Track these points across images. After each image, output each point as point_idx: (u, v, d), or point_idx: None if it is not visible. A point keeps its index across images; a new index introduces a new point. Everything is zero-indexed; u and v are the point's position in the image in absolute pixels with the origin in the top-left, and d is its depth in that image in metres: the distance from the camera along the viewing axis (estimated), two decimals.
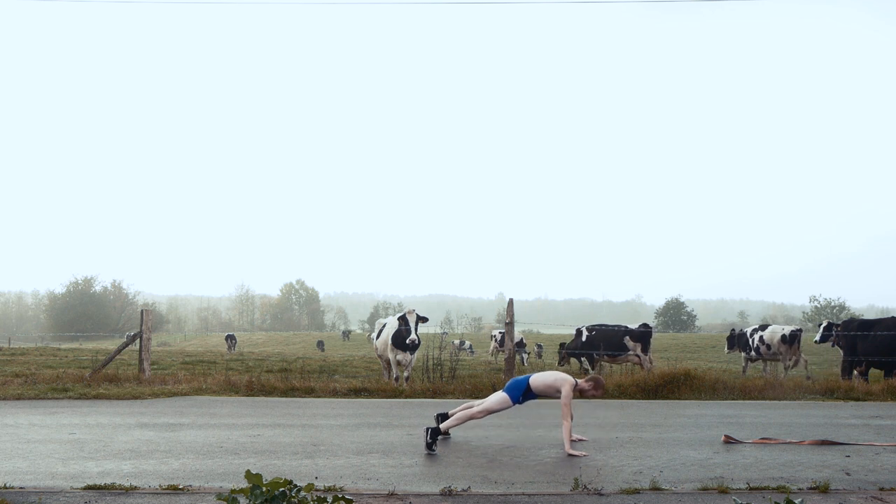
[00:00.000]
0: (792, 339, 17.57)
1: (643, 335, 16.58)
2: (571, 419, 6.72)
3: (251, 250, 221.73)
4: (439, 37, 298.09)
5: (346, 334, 62.04)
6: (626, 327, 17.21)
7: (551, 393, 6.86)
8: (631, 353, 16.50)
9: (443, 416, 7.24)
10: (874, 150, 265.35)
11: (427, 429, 6.58)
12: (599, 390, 6.93)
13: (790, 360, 17.61)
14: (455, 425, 6.93)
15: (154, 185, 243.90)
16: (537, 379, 6.91)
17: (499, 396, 6.89)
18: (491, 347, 32.35)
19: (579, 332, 18.06)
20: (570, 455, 6.38)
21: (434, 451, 6.46)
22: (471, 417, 6.88)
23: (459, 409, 7.21)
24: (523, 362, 26.93)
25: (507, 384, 7.05)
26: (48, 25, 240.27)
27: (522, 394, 6.85)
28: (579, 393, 6.91)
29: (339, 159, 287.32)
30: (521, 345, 28.52)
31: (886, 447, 6.94)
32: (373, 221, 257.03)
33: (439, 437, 6.73)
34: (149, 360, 12.64)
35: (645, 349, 16.50)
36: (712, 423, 8.42)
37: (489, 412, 6.86)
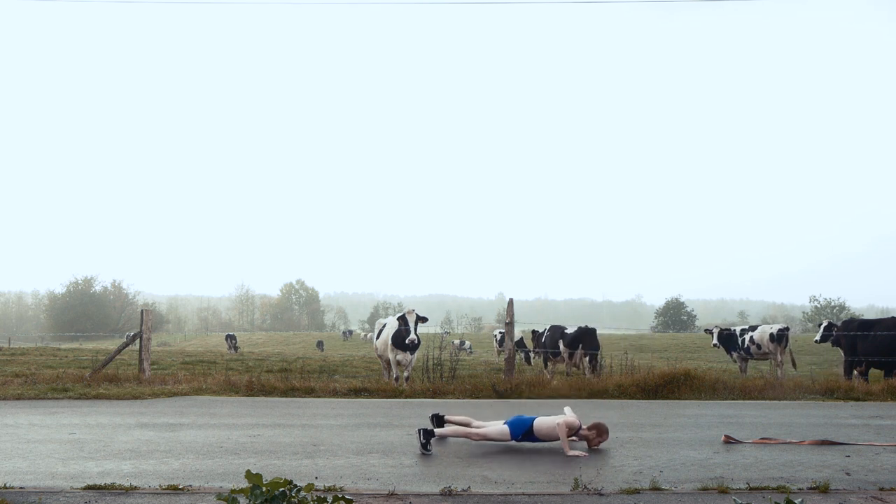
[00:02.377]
0: (780, 338, 17.75)
1: (575, 338, 16.64)
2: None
3: (251, 250, 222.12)
4: (439, 37, 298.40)
5: (348, 334, 61.99)
6: (564, 329, 17.31)
7: (553, 438, 6.73)
8: (564, 353, 16.68)
9: (438, 417, 7.23)
10: (876, 151, 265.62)
11: (420, 430, 6.57)
12: (604, 436, 6.78)
13: (780, 357, 17.81)
14: (449, 435, 6.93)
15: (154, 185, 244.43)
16: (541, 423, 6.77)
17: (500, 428, 6.82)
18: (496, 348, 32.36)
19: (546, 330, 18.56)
20: (570, 455, 6.38)
21: (429, 451, 6.46)
22: (466, 436, 6.84)
23: (460, 418, 7.19)
24: (528, 361, 26.85)
25: (511, 418, 6.93)
26: (48, 25, 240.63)
27: (523, 434, 6.77)
28: (583, 439, 6.80)
29: (339, 159, 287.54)
30: (521, 344, 28.45)
31: (886, 447, 6.93)
32: (373, 221, 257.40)
33: (433, 438, 6.71)
34: (149, 360, 12.65)
35: (575, 351, 16.52)
36: (712, 423, 8.42)
37: (485, 439, 6.80)
